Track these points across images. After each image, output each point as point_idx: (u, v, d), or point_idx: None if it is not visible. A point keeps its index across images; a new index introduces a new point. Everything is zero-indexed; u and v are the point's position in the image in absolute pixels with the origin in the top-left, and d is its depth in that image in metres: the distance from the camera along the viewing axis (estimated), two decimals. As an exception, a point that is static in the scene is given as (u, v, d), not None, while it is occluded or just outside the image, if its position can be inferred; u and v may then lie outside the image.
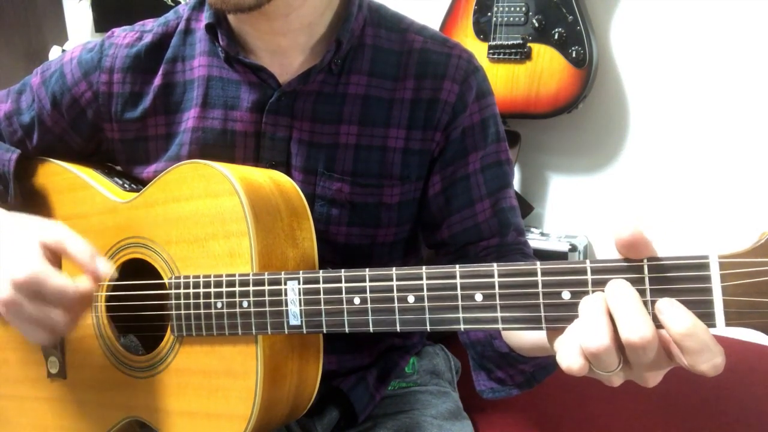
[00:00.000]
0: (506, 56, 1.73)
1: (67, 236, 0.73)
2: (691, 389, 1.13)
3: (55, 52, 2.30)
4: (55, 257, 0.73)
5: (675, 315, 0.48)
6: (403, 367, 1.01)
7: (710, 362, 0.47)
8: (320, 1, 0.83)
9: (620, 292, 0.50)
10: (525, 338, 0.71)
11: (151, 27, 0.92)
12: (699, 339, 0.47)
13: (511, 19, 1.72)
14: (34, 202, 0.93)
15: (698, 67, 1.72)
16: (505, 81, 1.75)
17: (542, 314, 0.54)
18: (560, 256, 1.82)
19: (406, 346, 1.02)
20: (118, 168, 0.96)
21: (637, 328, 0.48)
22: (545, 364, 0.79)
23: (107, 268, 0.71)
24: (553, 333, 0.56)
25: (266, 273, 0.68)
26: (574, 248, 1.82)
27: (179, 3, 1.99)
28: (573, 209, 1.97)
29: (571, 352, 0.50)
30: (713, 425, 1.06)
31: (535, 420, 1.09)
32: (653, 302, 0.50)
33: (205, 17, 0.86)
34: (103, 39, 0.92)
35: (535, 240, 1.87)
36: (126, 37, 0.91)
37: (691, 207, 1.78)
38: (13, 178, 0.90)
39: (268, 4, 0.77)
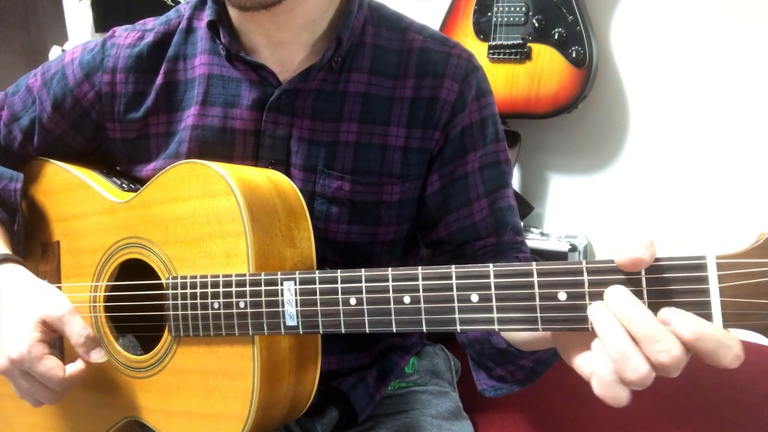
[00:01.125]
0: (506, 56, 1.73)
1: (67, 316, 0.74)
2: (691, 389, 1.13)
3: (55, 52, 2.30)
4: (54, 333, 0.75)
5: (681, 323, 0.48)
6: (402, 367, 1.00)
7: (729, 356, 0.47)
8: None
9: (637, 318, 0.49)
10: (523, 333, 0.71)
11: (152, 26, 0.92)
12: (711, 339, 0.47)
13: (511, 19, 1.72)
14: (33, 203, 0.93)
15: (698, 67, 1.72)
16: (505, 81, 1.74)
17: (538, 315, 0.54)
18: (560, 256, 1.82)
19: (406, 346, 1.02)
20: (117, 167, 0.96)
21: (666, 352, 0.47)
22: (544, 357, 0.79)
23: (100, 357, 0.74)
24: (571, 350, 0.56)
25: (263, 273, 0.68)
26: (574, 248, 1.82)
27: (179, 2, 1.99)
28: (573, 209, 1.97)
29: (613, 387, 0.50)
30: (714, 425, 1.05)
31: (535, 420, 1.09)
32: (651, 304, 0.50)
33: (207, 15, 0.86)
34: (105, 39, 0.92)
35: (535, 240, 1.87)
36: (128, 37, 0.91)
37: (691, 207, 1.78)
38: (20, 207, 0.91)
39: (282, 3, 0.77)
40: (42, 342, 0.73)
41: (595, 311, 0.51)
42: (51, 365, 0.72)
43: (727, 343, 0.47)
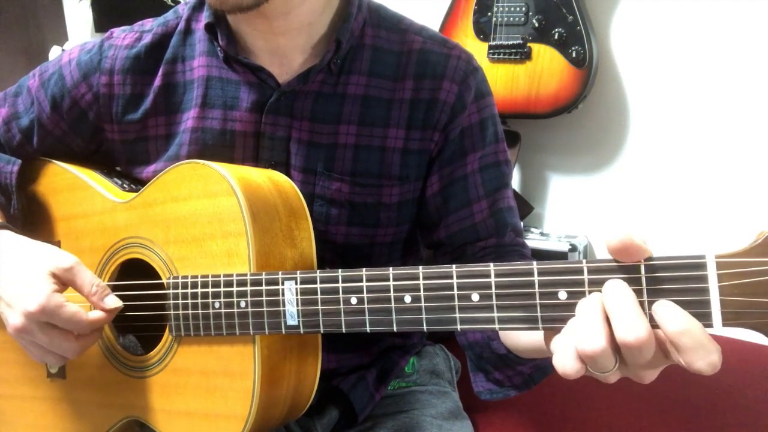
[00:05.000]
0: (506, 56, 1.73)
1: (76, 267, 0.74)
2: (690, 389, 1.13)
3: (55, 52, 2.30)
4: (64, 286, 0.75)
5: (669, 314, 0.48)
6: (402, 367, 1.00)
7: (706, 360, 0.47)
8: (319, 1, 0.83)
9: (616, 293, 0.50)
10: (523, 339, 0.71)
11: (150, 27, 0.91)
12: (694, 337, 0.47)
13: (511, 19, 1.72)
14: (33, 202, 0.93)
15: (698, 67, 1.72)
16: (505, 81, 1.75)
17: (539, 314, 0.54)
18: (560, 256, 1.82)
19: (406, 346, 1.02)
20: (118, 168, 0.96)
21: (632, 329, 0.48)
22: (543, 365, 0.79)
23: (115, 302, 0.74)
24: (550, 334, 0.56)
25: (264, 273, 0.68)
26: (574, 248, 1.82)
27: (179, 2, 1.99)
28: (573, 209, 1.97)
29: (566, 354, 0.51)
30: (712, 425, 1.05)
31: (535, 420, 1.09)
32: (650, 302, 0.50)
33: (205, 17, 0.86)
34: (102, 40, 0.92)
35: (535, 240, 1.87)
36: (125, 38, 0.90)
37: (691, 206, 1.78)
38: (16, 190, 0.91)
39: (267, 4, 0.77)
40: (58, 292, 0.72)
41: (586, 298, 0.52)
42: (75, 309, 0.71)
43: (709, 346, 0.47)
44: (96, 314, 0.73)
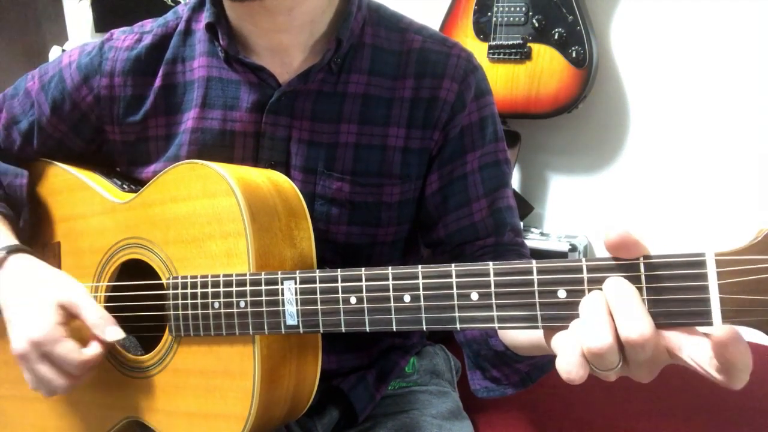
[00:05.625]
0: (506, 56, 1.73)
1: (83, 300, 0.76)
2: (690, 389, 1.13)
3: (55, 52, 2.30)
4: (71, 317, 0.76)
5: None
6: (403, 367, 1.00)
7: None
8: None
9: (620, 291, 0.49)
10: (521, 337, 0.71)
11: (150, 28, 0.91)
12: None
13: (511, 19, 1.72)
14: (33, 203, 0.93)
15: (698, 67, 1.72)
16: (505, 81, 1.74)
17: (538, 313, 0.54)
18: (560, 256, 1.82)
19: (406, 346, 1.02)
20: (117, 169, 0.96)
21: (636, 326, 0.47)
22: (541, 363, 0.79)
23: (117, 335, 0.74)
24: (550, 332, 0.56)
25: (263, 273, 0.68)
26: (574, 248, 1.82)
27: (179, 3, 1.99)
28: (573, 209, 1.97)
29: (571, 354, 0.50)
30: (713, 424, 1.05)
31: (535, 420, 1.09)
32: (650, 300, 0.50)
33: (205, 17, 0.86)
34: (102, 41, 0.92)
35: (535, 240, 1.87)
36: (125, 40, 0.90)
37: (691, 206, 1.78)
38: (27, 201, 0.91)
39: None
40: (61, 325, 0.74)
41: (588, 295, 0.52)
42: (70, 347, 0.73)
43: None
44: (90, 352, 0.74)
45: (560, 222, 1.99)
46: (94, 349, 0.74)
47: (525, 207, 1.94)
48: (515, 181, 2.01)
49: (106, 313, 0.75)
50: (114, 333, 0.74)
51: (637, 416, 1.07)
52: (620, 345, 0.49)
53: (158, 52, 0.90)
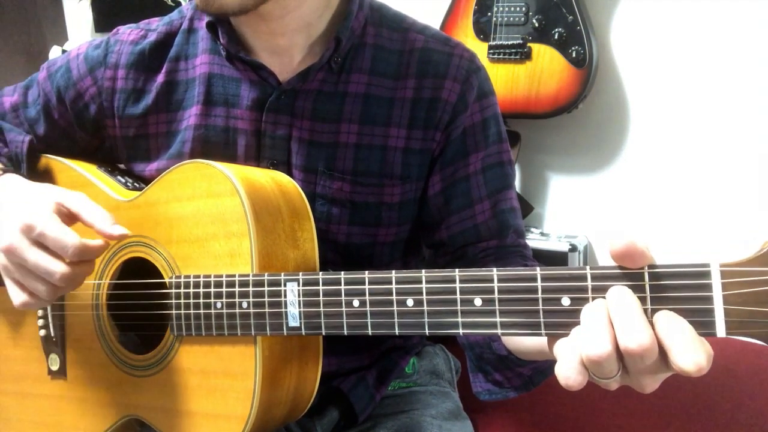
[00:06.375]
0: (506, 56, 1.73)
1: (83, 199, 0.72)
2: (692, 390, 1.13)
3: (55, 52, 2.29)
4: (71, 220, 0.72)
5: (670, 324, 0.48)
6: (403, 368, 1.01)
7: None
8: (318, 2, 0.83)
9: (621, 300, 0.50)
10: (524, 342, 0.71)
11: (155, 26, 0.93)
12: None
13: (511, 19, 1.72)
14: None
15: (698, 67, 1.72)
16: (505, 81, 1.74)
17: (541, 320, 0.54)
18: (560, 256, 1.82)
19: (407, 347, 1.02)
20: (121, 166, 0.96)
21: (636, 337, 0.48)
22: (543, 367, 0.79)
23: (122, 230, 0.69)
24: (553, 338, 0.56)
25: (266, 274, 0.68)
26: (574, 248, 1.82)
27: (180, 2, 1.99)
28: (573, 209, 1.97)
29: (570, 360, 0.50)
30: (712, 425, 1.06)
31: (535, 420, 1.09)
32: (654, 310, 0.50)
33: (207, 16, 0.86)
34: (109, 36, 0.94)
35: (535, 240, 1.87)
36: (131, 34, 0.92)
37: (691, 206, 1.78)
38: (26, 159, 0.92)
39: (264, 5, 0.77)
40: (57, 214, 0.70)
41: (590, 303, 0.52)
42: (67, 229, 0.68)
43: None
44: (90, 242, 0.68)
45: (560, 222, 1.99)
46: (95, 241, 0.69)
47: (525, 207, 1.95)
48: (515, 181, 2.00)
49: (111, 216, 0.71)
50: (119, 229, 0.69)
51: (637, 416, 1.08)
52: (620, 354, 0.49)
53: (162, 50, 0.91)
